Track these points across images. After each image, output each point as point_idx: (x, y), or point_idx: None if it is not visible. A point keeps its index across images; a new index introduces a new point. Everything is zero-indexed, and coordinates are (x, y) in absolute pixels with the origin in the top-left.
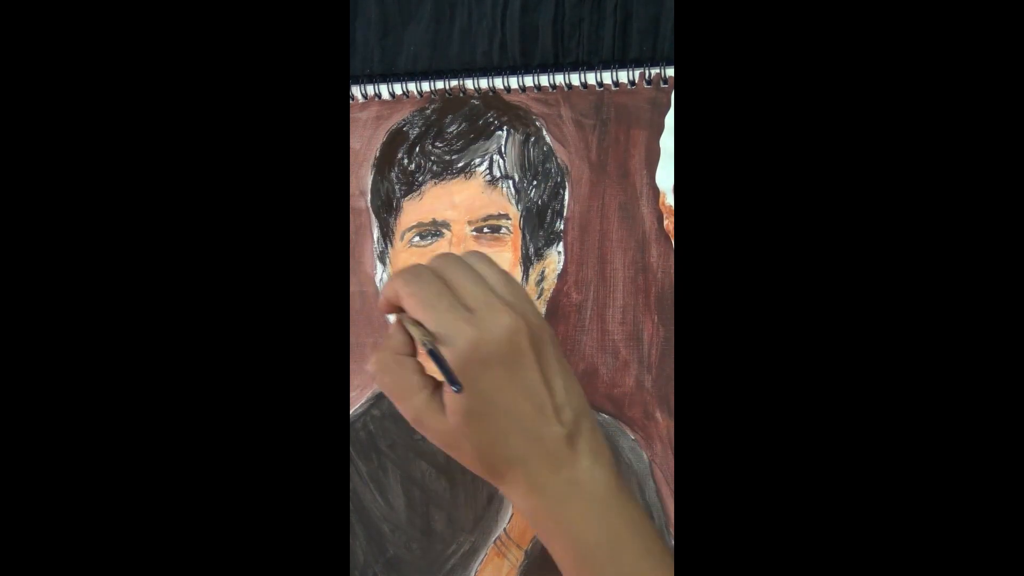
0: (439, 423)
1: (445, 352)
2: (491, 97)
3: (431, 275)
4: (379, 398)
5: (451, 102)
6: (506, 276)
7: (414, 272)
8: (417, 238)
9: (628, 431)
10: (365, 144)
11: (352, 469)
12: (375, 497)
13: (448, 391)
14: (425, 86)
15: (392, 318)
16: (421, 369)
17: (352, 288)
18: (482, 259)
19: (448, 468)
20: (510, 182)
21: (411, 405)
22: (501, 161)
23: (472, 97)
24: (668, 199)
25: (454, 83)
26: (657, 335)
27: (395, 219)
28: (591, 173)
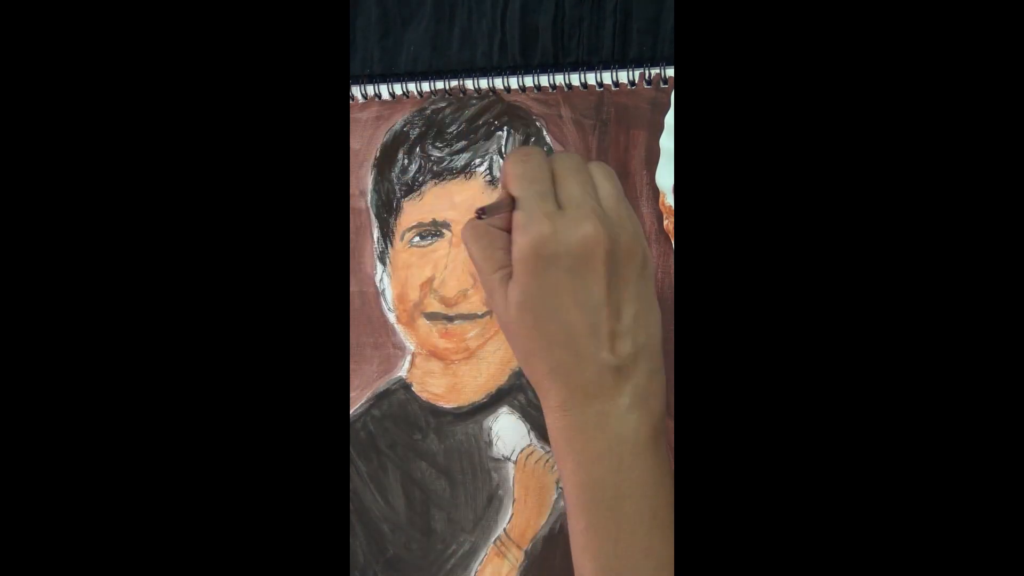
0: (502, 307)
1: (517, 236)
2: (491, 97)
3: (541, 162)
4: (379, 398)
5: (451, 102)
6: (619, 194)
7: (528, 153)
8: (417, 238)
9: None
10: (365, 144)
11: (352, 469)
12: (375, 497)
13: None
14: (425, 86)
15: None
16: (508, 247)
17: (352, 288)
18: (604, 171)
19: (448, 468)
20: None
21: (487, 278)
22: (501, 161)
23: (472, 97)
24: (668, 199)
25: (454, 83)
26: None
27: (395, 219)
28: None
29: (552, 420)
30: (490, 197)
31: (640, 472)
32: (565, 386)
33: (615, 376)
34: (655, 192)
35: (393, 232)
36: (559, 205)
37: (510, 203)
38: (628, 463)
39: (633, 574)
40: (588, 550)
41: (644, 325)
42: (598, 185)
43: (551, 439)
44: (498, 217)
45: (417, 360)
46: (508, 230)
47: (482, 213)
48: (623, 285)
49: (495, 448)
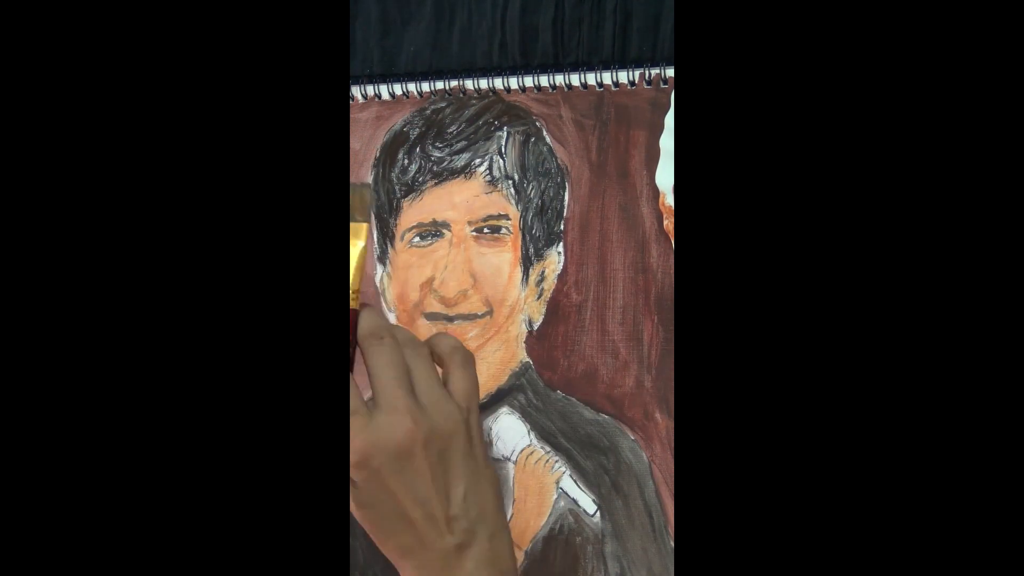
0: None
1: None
2: (491, 97)
3: (388, 359)
4: None
5: (451, 102)
6: (431, 375)
7: (380, 348)
8: (417, 238)
9: (628, 431)
10: (365, 144)
11: None
12: None
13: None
14: (425, 86)
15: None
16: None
17: None
18: (418, 350)
19: None
20: (510, 182)
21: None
22: (501, 161)
23: (472, 97)
24: (668, 199)
25: (454, 83)
26: (657, 335)
27: (395, 219)
28: (591, 173)
29: None
30: (490, 197)
31: None
32: (416, 566)
33: (458, 551)
34: (655, 192)
35: (393, 232)
36: (376, 404)
37: None
38: None
39: None
40: None
41: (475, 500)
42: (412, 368)
43: None
44: None
45: None
46: None
47: None
48: (446, 468)
49: (495, 448)
